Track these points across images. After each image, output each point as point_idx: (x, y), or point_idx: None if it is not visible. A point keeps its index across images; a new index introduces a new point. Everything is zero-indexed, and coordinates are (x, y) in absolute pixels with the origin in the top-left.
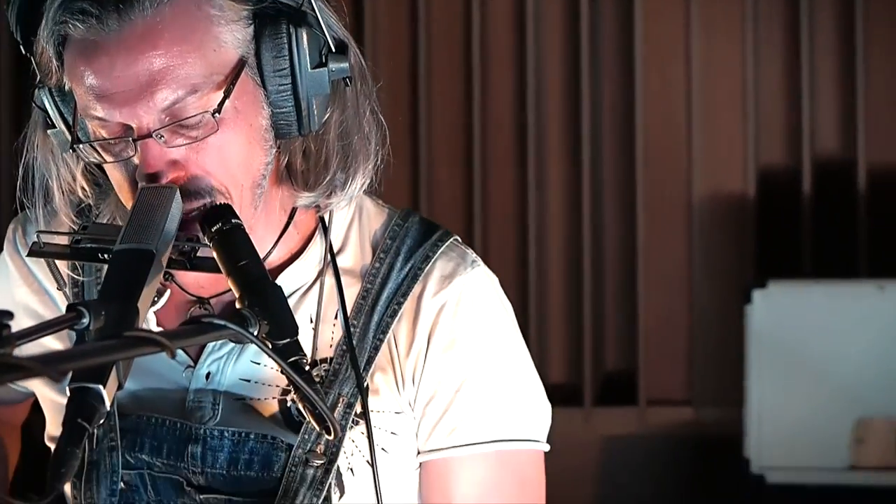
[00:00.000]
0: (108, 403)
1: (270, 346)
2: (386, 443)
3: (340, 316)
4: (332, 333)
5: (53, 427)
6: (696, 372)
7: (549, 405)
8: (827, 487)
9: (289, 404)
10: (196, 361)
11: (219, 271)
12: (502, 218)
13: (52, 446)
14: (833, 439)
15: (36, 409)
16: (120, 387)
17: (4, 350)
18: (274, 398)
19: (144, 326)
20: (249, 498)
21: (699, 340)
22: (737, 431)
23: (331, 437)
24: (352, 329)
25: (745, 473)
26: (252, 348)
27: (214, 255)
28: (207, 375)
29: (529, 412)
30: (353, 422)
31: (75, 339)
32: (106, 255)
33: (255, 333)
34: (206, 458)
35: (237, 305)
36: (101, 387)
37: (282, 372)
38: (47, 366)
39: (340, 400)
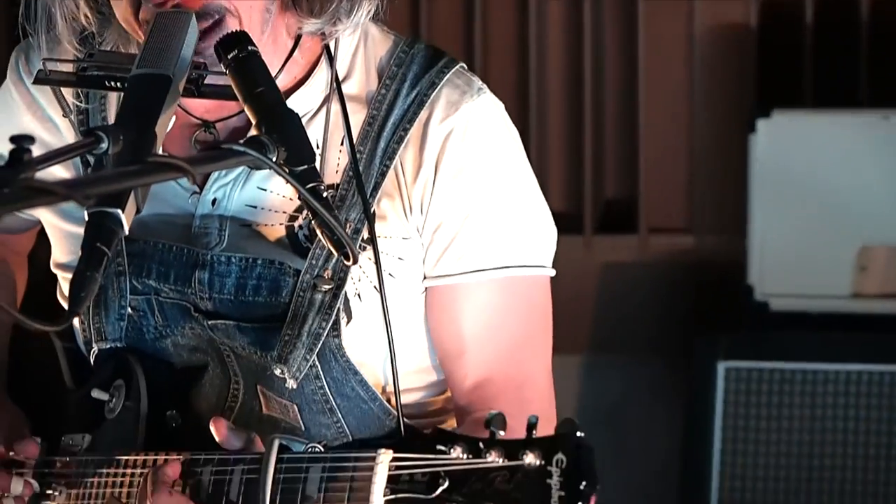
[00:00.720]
0: (126, 228)
1: (288, 173)
2: (393, 268)
3: (346, 142)
4: (338, 160)
5: (60, 254)
6: (697, 200)
7: (555, 230)
8: (830, 315)
9: (296, 230)
10: (202, 188)
11: (226, 98)
12: (502, 47)
13: (59, 273)
14: (836, 267)
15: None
16: (138, 211)
17: (27, 175)
18: (281, 224)
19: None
20: (258, 323)
21: (700, 169)
22: (738, 260)
23: (350, 263)
24: (358, 155)
25: (748, 301)
26: (258, 174)
27: (231, 82)
28: (214, 201)
29: (536, 238)
30: (360, 247)
31: (92, 164)
32: (114, 83)
33: (274, 160)
34: (213, 284)
35: (253, 132)
36: (119, 211)
37: (300, 198)
38: (74, 190)
39: (347, 226)
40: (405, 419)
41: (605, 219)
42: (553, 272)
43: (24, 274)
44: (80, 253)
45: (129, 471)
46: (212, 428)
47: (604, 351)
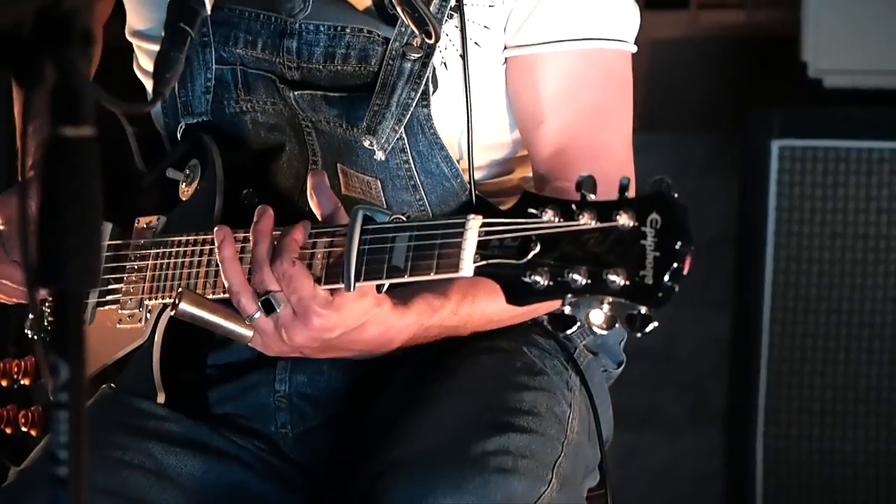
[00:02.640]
0: (209, 7)
1: None
2: (479, 36)
3: None
4: None
5: (136, 20)
6: None
7: (637, 9)
8: (884, 91)
9: None
10: None
11: None
12: None
13: (134, 41)
14: (890, 42)
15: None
16: None
17: None
18: None
19: None
20: (346, 93)
21: None
22: (791, 35)
23: (431, 41)
24: None
25: (801, 77)
26: None
27: None
28: None
29: (617, 13)
30: (448, 15)
31: None
32: None
33: None
34: (301, 53)
35: None
36: None
37: None
38: None
39: None
40: (484, 196)
41: None
42: (634, 48)
43: (99, 44)
44: (156, 20)
45: (206, 248)
46: (309, 180)
47: (654, 128)
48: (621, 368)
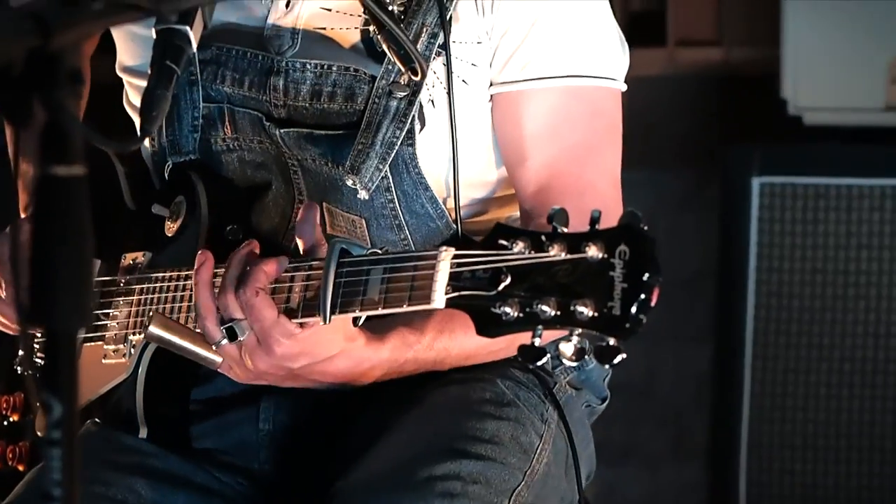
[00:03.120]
0: (194, 45)
1: None
2: (466, 74)
3: None
4: None
5: (127, 57)
6: (727, 11)
7: (626, 48)
8: (863, 128)
9: (371, 35)
10: None
11: None
12: None
13: (125, 77)
14: (869, 79)
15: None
16: (205, 28)
17: None
18: (356, 28)
19: None
20: (332, 131)
21: None
22: (769, 72)
23: (417, 78)
24: None
25: (781, 115)
26: None
27: None
28: (287, 4)
29: (604, 51)
30: (435, 53)
31: None
32: None
33: None
34: (288, 91)
35: None
36: (188, 28)
37: (365, 12)
38: (160, 3)
39: (424, 30)
40: (469, 234)
41: (631, 31)
42: (623, 87)
43: (87, 77)
44: (147, 56)
45: (189, 283)
46: (302, 210)
47: (632, 165)
48: (605, 404)
